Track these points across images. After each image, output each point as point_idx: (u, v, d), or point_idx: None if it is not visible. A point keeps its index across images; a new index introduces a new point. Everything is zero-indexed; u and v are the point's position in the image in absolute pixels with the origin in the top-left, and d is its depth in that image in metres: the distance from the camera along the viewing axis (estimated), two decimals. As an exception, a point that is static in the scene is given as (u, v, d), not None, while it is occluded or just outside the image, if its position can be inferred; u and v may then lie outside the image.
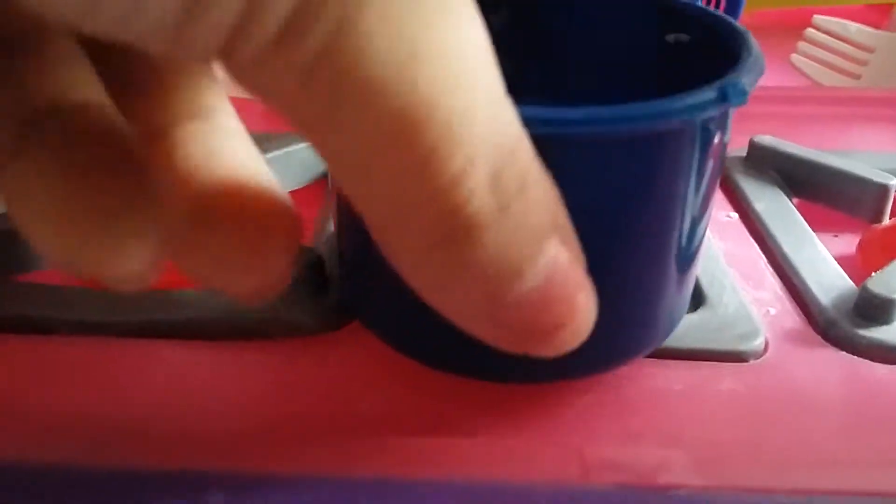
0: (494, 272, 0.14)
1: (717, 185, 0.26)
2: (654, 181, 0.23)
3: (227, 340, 0.28)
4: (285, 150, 0.37)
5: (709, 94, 0.22)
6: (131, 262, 0.15)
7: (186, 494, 0.21)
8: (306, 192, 0.38)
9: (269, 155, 0.37)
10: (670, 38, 0.29)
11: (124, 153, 0.16)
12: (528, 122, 0.20)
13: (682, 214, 0.24)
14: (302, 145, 0.38)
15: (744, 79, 0.22)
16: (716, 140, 0.24)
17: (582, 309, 0.16)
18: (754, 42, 0.25)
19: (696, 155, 0.23)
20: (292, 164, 0.38)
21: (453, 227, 0.14)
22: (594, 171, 0.22)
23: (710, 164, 0.24)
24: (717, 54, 0.25)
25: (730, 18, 0.27)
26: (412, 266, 0.15)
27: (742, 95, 0.22)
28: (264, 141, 0.38)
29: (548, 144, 0.21)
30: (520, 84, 0.24)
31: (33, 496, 0.22)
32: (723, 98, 0.22)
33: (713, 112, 0.22)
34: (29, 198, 0.15)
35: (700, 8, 0.29)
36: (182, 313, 0.28)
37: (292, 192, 0.38)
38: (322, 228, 0.34)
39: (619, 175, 0.22)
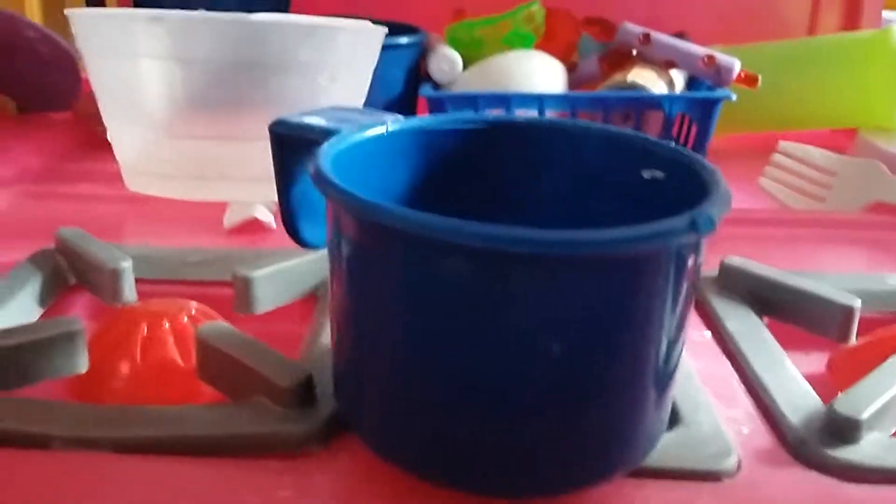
0: None
1: (692, 306, 0.27)
2: (632, 303, 0.25)
3: (218, 457, 0.28)
4: (275, 266, 0.39)
5: (680, 222, 0.24)
6: None
7: None
8: (296, 308, 0.40)
9: (260, 272, 0.38)
10: (646, 174, 0.31)
11: None
12: (514, 242, 0.22)
13: (660, 336, 0.26)
14: (292, 262, 0.39)
15: (713, 210, 0.24)
16: (689, 265, 0.26)
17: None
18: (723, 179, 0.27)
19: (671, 279, 0.25)
20: (284, 280, 0.39)
21: None
22: (575, 292, 0.24)
23: (684, 287, 0.26)
24: (687, 188, 0.27)
25: (700, 158, 0.30)
26: None
27: (710, 225, 0.24)
28: (255, 258, 0.39)
29: (532, 265, 0.23)
30: (502, 211, 0.26)
31: None
32: (693, 227, 0.24)
33: (683, 239, 0.24)
34: None
35: (674, 147, 0.31)
36: (173, 429, 0.29)
37: (282, 308, 0.39)
38: (312, 344, 0.35)
39: (599, 297, 0.24)
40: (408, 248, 0.24)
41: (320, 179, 0.25)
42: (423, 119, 0.33)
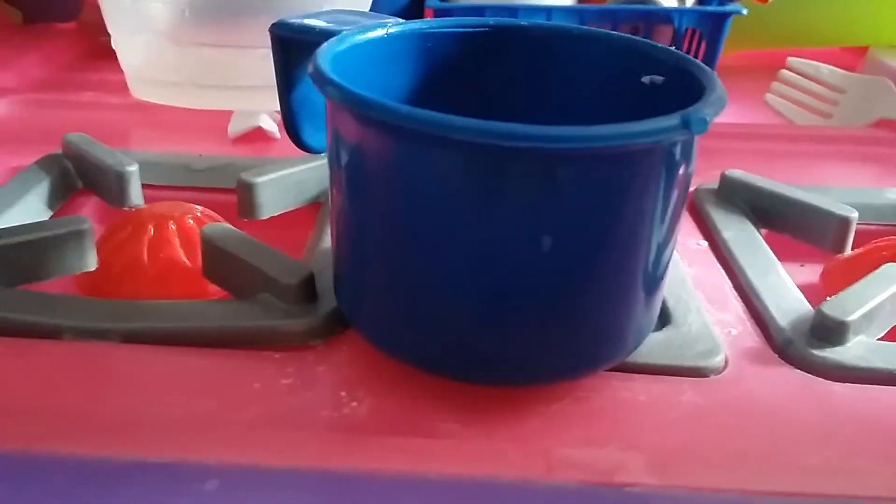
0: None
1: (682, 213, 0.28)
2: (623, 201, 0.25)
3: (224, 348, 0.30)
4: (281, 173, 0.39)
5: (673, 120, 0.24)
6: None
7: (184, 482, 0.23)
8: (300, 214, 0.40)
9: (265, 178, 0.39)
10: (646, 79, 0.31)
11: None
12: (507, 136, 0.23)
13: (650, 235, 0.26)
14: (295, 169, 0.40)
15: (706, 110, 0.25)
16: (680, 169, 0.26)
17: None
18: (719, 82, 0.27)
19: (662, 178, 0.25)
20: (287, 187, 0.40)
21: None
22: (569, 189, 0.24)
23: (676, 191, 0.26)
24: (688, 94, 0.27)
25: (699, 62, 0.30)
26: None
27: (702, 124, 0.24)
28: (260, 165, 0.40)
29: (524, 161, 0.24)
30: (503, 116, 0.27)
31: (42, 486, 0.23)
32: (685, 125, 0.24)
33: (676, 137, 0.24)
34: None
35: (673, 51, 0.31)
36: (181, 322, 0.30)
37: (287, 214, 0.40)
38: (315, 247, 0.36)
39: (592, 193, 0.25)
40: (404, 144, 0.25)
41: (318, 76, 0.26)
42: (424, 22, 0.33)
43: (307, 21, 0.31)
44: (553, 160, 0.24)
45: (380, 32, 0.31)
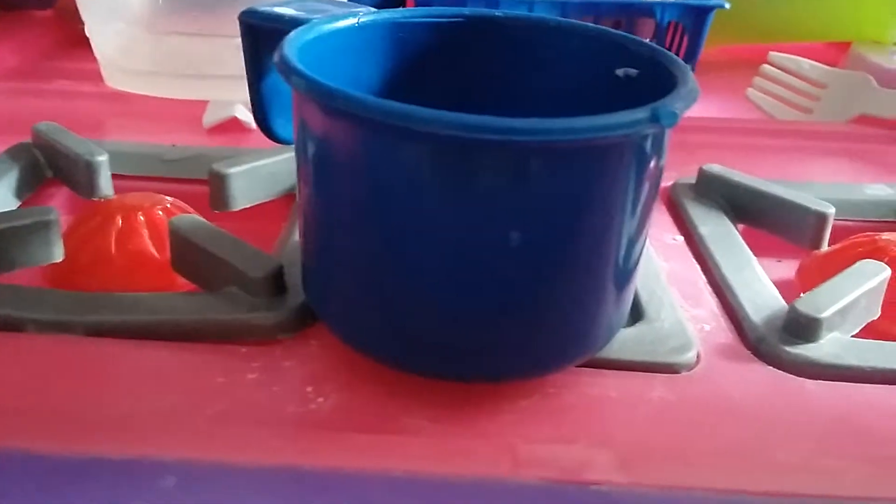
0: None
1: (654, 207, 0.27)
2: (593, 195, 0.25)
3: (189, 342, 0.29)
4: (254, 164, 0.39)
5: (642, 113, 0.23)
6: None
7: (142, 478, 0.23)
8: (273, 206, 0.40)
9: (238, 169, 0.38)
10: (620, 71, 0.31)
11: None
12: (475, 128, 0.22)
13: (619, 229, 0.26)
14: (269, 161, 0.39)
15: (676, 103, 0.24)
16: (651, 163, 0.26)
17: None
18: (692, 75, 0.27)
19: (634, 172, 0.25)
20: (260, 178, 0.39)
21: None
22: (537, 182, 0.24)
23: (647, 184, 0.26)
24: (663, 87, 0.27)
25: (671, 54, 0.29)
26: None
27: (672, 117, 0.24)
28: (233, 156, 0.39)
29: (494, 153, 0.23)
30: (477, 108, 0.26)
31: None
32: (654, 118, 0.24)
33: (646, 130, 0.24)
34: None
35: (646, 44, 0.31)
36: (146, 315, 0.30)
37: (260, 206, 0.39)
38: (286, 239, 0.36)
39: (561, 186, 0.24)
40: (371, 136, 0.24)
41: (283, 66, 0.25)
42: (396, 11, 0.32)
43: (277, 9, 0.31)
44: (522, 153, 0.24)
45: (350, 21, 0.30)
